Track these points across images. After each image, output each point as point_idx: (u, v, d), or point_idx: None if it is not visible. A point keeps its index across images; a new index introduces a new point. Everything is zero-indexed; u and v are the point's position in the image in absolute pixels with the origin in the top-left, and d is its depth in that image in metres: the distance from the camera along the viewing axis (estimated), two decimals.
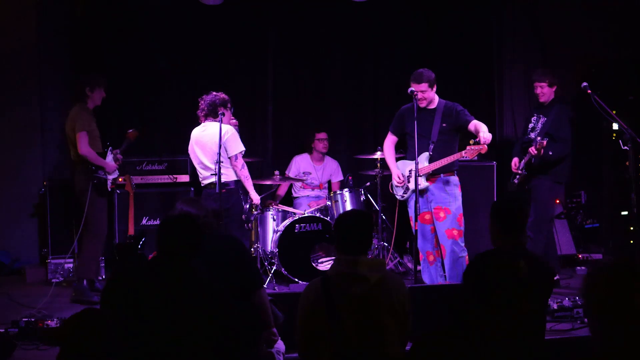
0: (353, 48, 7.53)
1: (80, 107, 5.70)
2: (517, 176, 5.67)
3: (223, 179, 5.17)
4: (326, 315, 2.75)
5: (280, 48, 7.39)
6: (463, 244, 5.29)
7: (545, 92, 5.75)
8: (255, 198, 5.54)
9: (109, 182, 5.67)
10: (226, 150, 5.26)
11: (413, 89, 5.24)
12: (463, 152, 5.07)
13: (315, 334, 2.80)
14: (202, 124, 5.50)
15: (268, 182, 6.45)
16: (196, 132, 5.52)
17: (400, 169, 5.53)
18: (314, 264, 6.06)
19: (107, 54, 7.04)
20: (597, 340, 2.15)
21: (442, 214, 5.30)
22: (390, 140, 5.65)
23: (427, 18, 7.48)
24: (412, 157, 5.27)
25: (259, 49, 7.36)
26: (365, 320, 2.76)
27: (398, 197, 5.58)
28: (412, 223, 5.35)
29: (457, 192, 5.36)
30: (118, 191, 5.88)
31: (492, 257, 3.19)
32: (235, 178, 5.39)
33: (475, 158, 5.19)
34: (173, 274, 2.86)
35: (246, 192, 5.49)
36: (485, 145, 4.98)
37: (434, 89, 5.33)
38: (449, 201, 5.30)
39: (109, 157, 5.74)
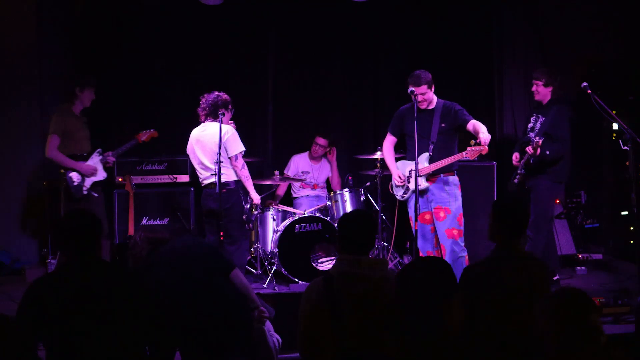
0: (353, 48, 7.53)
1: (60, 109, 5.70)
2: (517, 176, 5.67)
3: (223, 179, 5.17)
4: (328, 315, 2.75)
5: (280, 48, 7.39)
6: (463, 244, 5.29)
7: (540, 90, 5.76)
8: (256, 198, 5.54)
9: (84, 186, 5.62)
10: (226, 151, 5.26)
11: (413, 89, 5.25)
12: (464, 152, 5.06)
13: (317, 333, 2.80)
14: (202, 124, 5.50)
15: (268, 182, 6.45)
16: (196, 132, 5.52)
17: (400, 169, 5.53)
18: (314, 264, 6.05)
19: (107, 54, 7.04)
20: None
21: (442, 214, 5.30)
22: (389, 141, 5.65)
23: (427, 18, 7.48)
24: (412, 158, 5.26)
25: (259, 49, 7.36)
26: (367, 318, 2.76)
27: (398, 198, 5.58)
28: (412, 223, 5.35)
29: (457, 192, 5.36)
30: (94, 193, 5.73)
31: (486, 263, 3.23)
32: (235, 178, 5.39)
33: (476, 159, 5.19)
34: (89, 274, 2.82)
35: (246, 192, 5.50)
36: (486, 146, 4.98)
37: (433, 89, 5.34)
38: (449, 201, 5.30)
39: (93, 160, 5.70)
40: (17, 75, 6.88)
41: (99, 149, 5.78)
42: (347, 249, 2.92)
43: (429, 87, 5.29)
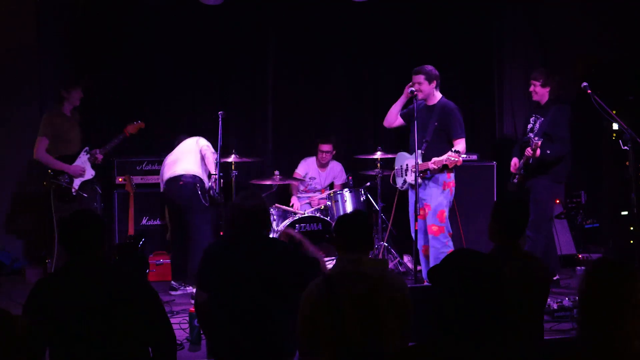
0: (353, 48, 7.53)
1: (48, 112, 5.77)
2: (517, 176, 5.67)
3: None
4: (329, 314, 2.75)
5: (280, 48, 7.39)
6: (445, 240, 5.33)
7: (537, 91, 5.75)
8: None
9: (73, 187, 5.65)
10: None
11: (412, 82, 5.32)
12: (444, 158, 5.12)
13: (317, 332, 2.80)
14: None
15: (268, 182, 6.45)
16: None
17: (397, 160, 5.69)
18: None
19: (107, 54, 7.04)
20: (582, 339, 2.10)
21: (426, 210, 5.39)
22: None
23: (428, 18, 7.48)
24: (411, 151, 5.39)
25: (259, 49, 7.36)
26: (367, 318, 2.76)
27: (398, 187, 5.67)
28: (412, 223, 5.37)
29: (441, 188, 5.36)
30: (83, 194, 5.76)
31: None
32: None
33: (455, 163, 5.20)
34: (93, 274, 2.82)
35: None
36: (461, 159, 5.07)
37: (433, 84, 5.35)
38: (431, 197, 5.36)
39: (81, 159, 5.72)
40: (17, 75, 6.88)
41: (86, 148, 5.82)
42: (347, 247, 2.92)
43: (427, 79, 5.32)
